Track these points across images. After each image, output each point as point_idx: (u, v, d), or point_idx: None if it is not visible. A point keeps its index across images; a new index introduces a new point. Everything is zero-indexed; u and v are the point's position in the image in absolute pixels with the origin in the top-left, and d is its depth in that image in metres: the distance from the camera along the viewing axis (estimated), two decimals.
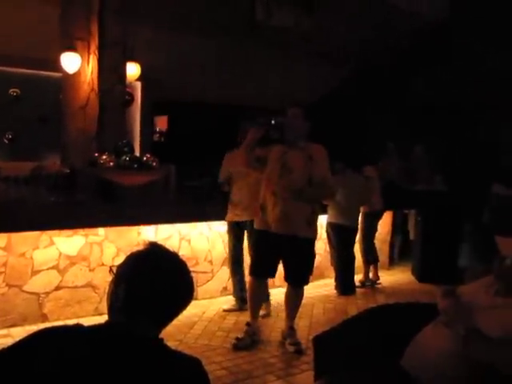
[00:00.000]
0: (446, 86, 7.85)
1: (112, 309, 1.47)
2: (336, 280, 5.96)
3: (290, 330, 4.22)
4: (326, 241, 6.42)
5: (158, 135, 9.52)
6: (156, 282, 1.44)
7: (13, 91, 7.37)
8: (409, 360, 2.23)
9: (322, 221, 6.29)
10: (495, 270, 2.30)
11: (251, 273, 4.24)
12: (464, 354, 2.03)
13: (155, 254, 1.52)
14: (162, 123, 9.56)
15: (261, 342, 4.23)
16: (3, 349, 1.35)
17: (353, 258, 6.08)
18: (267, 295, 4.81)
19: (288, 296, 4.24)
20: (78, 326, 1.40)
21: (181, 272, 1.51)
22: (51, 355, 1.30)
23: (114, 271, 1.50)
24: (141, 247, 1.52)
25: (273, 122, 4.19)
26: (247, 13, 6.93)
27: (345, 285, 5.87)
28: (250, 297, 4.27)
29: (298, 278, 4.18)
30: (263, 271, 4.20)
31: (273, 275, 4.24)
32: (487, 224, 5.41)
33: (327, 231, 6.03)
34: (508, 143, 7.45)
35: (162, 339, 1.47)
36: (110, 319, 1.47)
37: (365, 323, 2.57)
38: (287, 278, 4.19)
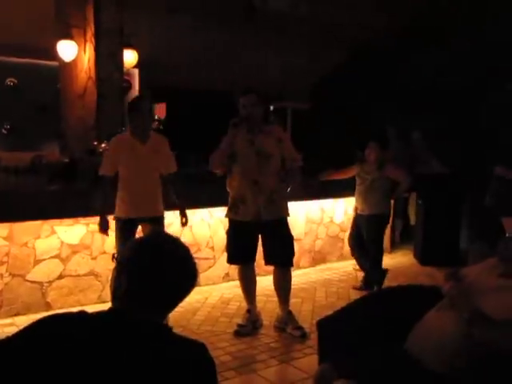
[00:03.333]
0: (445, 66, 7.79)
1: (116, 295, 1.46)
2: (370, 276, 5.37)
3: (289, 315, 4.19)
4: (327, 225, 6.43)
5: (156, 123, 9.46)
6: (159, 268, 1.43)
7: (10, 81, 7.30)
8: (413, 343, 2.23)
9: (323, 205, 6.31)
10: (500, 252, 2.29)
11: (232, 260, 4.23)
12: (468, 336, 2.03)
13: (158, 239, 1.52)
14: (160, 111, 9.50)
15: (263, 327, 4.25)
16: (7, 337, 1.35)
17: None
18: None
19: (278, 280, 4.19)
20: (82, 313, 1.40)
21: (184, 257, 1.50)
22: (55, 342, 1.30)
23: (117, 258, 1.50)
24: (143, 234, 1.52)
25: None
26: None
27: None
28: (242, 284, 4.26)
29: (286, 259, 4.13)
30: (245, 256, 4.15)
31: (253, 258, 4.17)
32: (489, 206, 5.39)
33: (357, 225, 5.42)
34: (508, 124, 7.42)
35: (167, 325, 1.47)
36: (114, 306, 1.46)
37: (368, 307, 2.57)
38: (274, 260, 4.11)
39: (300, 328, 4.10)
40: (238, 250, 4.14)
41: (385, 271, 5.33)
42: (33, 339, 1.32)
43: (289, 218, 4.18)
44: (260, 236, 4.11)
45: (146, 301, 1.42)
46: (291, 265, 4.18)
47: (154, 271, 1.43)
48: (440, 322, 2.18)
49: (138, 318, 1.39)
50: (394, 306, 2.48)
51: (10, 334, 1.36)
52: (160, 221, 4.11)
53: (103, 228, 4.01)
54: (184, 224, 4.30)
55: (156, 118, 9.53)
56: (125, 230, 3.98)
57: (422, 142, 7.32)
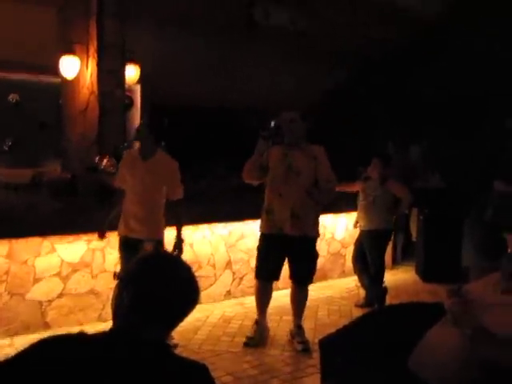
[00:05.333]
0: (446, 80, 7.80)
1: (117, 314, 1.45)
2: (370, 293, 5.36)
3: (298, 329, 4.27)
4: (329, 242, 6.39)
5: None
6: (161, 286, 1.43)
7: (12, 97, 7.33)
8: (417, 360, 2.21)
9: (324, 221, 6.27)
10: (503, 268, 2.27)
11: (257, 276, 4.27)
12: (472, 353, 2.00)
13: (159, 257, 1.52)
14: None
15: (266, 345, 4.22)
16: (7, 359, 1.33)
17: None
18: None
19: (294, 295, 4.30)
20: (82, 334, 1.39)
21: (185, 275, 1.50)
22: (55, 365, 1.28)
23: (119, 276, 1.49)
24: (145, 252, 1.52)
25: (272, 124, 4.09)
26: (245, 13, 6.91)
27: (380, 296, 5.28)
28: (257, 298, 4.31)
29: (305, 277, 4.25)
30: (269, 275, 4.22)
31: (278, 278, 4.28)
32: (490, 222, 5.36)
33: (360, 241, 5.42)
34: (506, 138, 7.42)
35: (168, 345, 1.46)
36: (115, 325, 1.44)
37: (370, 325, 2.54)
38: (293, 276, 4.23)
39: (304, 343, 4.16)
40: (268, 267, 4.19)
41: (385, 289, 5.29)
42: (32, 362, 1.30)
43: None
44: (287, 253, 4.18)
45: (148, 319, 1.41)
46: (307, 283, 4.28)
47: (157, 289, 1.42)
48: (442, 339, 2.15)
49: (139, 338, 1.37)
50: (396, 324, 2.45)
51: (8, 356, 1.34)
52: (156, 245, 3.92)
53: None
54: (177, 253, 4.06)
55: None
56: (123, 248, 4.01)
57: (421, 156, 7.31)
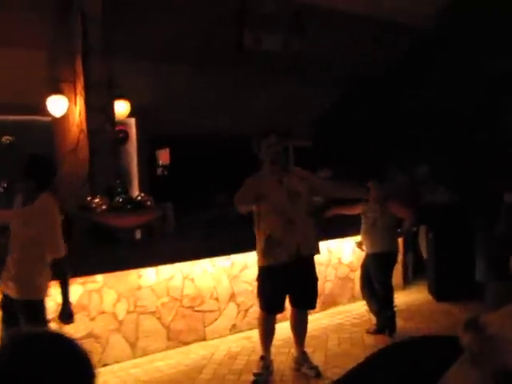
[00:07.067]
0: (444, 91, 7.67)
1: None
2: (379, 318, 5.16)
3: (304, 355, 4.23)
4: (336, 266, 6.20)
5: (161, 169, 9.43)
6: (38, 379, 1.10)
7: (6, 139, 7.26)
8: None
9: (330, 245, 6.08)
10: None
11: (263, 308, 4.17)
12: None
13: (30, 344, 1.16)
14: (164, 157, 9.47)
15: (274, 376, 4.13)
16: None
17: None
18: None
19: (295, 322, 4.24)
20: None
21: (70, 356, 1.17)
22: None
23: None
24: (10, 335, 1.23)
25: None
26: (235, 40, 6.83)
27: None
28: (262, 331, 4.20)
29: (311, 301, 4.19)
30: (276, 308, 4.14)
31: (283, 309, 4.20)
32: (501, 236, 5.16)
33: (365, 264, 5.27)
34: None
35: None
36: None
37: (382, 365, 2.34)
38: (299, 303, 4.16)
39: (314, 368, 4.12)
40: (275, 299, 4.08)
41: (393, 314, 5.06)
42: None
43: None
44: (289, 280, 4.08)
45: None
46: (315, 307, 4.28)
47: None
48: (461, 381, 1.95)
49: None
50: (411, 364, 2.25)
51: None
52: (32, 307, 3.32)
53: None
54: (63, 320, 3.48)
55: (160, 164, 9.46)
56: (3, 309, 3.47)
57: (429, 176, 7.14)
